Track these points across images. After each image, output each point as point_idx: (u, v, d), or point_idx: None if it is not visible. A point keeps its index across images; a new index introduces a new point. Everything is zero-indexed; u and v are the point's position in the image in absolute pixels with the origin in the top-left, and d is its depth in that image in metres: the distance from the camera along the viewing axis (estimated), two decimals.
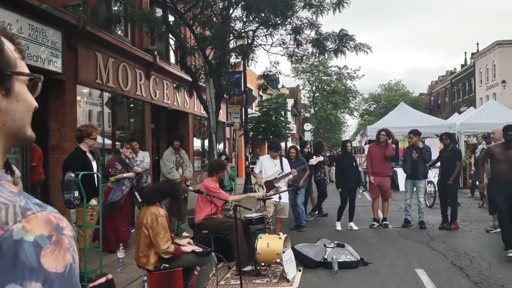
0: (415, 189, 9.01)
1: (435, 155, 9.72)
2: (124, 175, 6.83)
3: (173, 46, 15.22)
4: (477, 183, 12.48)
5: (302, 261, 6.10)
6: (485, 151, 7.32)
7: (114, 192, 6.70)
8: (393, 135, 9.53)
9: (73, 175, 4.56)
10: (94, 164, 5.40)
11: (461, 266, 5.91)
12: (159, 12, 13.48)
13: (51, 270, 0.72)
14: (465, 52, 56.54)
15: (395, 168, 14.24)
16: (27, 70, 0.90)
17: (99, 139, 11.58)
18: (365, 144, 18.10)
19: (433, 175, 11.41)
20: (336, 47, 11.48)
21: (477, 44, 51.41)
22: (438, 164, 9.40)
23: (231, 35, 11.92)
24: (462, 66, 56.69)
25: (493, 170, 6.67)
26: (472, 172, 12.69)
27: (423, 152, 8.83)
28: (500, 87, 41.94)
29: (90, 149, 5.40)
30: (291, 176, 7.57)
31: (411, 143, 9.23)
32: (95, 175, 5.39)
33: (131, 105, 13.80)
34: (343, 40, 11.22)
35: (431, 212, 10.40)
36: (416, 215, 8.98)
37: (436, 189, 10.59)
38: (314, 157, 8.10)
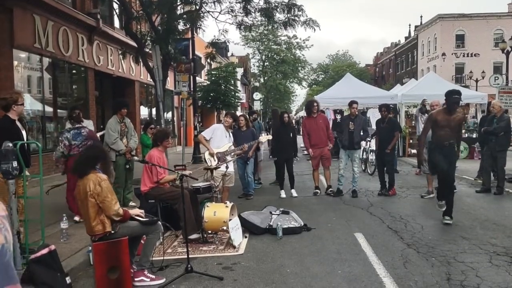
0: (349, 159, 9.19)
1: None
2: None
3: (117, 10, 14.60)
4: (412, 151, 13.16)
5: (249, 228, 6.27)
6: (427, 118, 7.23)
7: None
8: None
9: (10, 144, 4.36)
10: (23, 133, 5.16)
11: (396, 230, 6.31)
12: None
13: None
14: (409, 25, 58.43)
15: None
16: None
17: (39, 106, 11.11)
18: None
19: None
20: (286, 19, 11.49)
21: (421, 16, 53.24)
22: None
23: (178, 1, 11.59)
24: (406, 38, 58.53)
25: (434, 136, 6.75)
26: (411, 141, 13.35)
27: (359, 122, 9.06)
28: (440, 60, 43.86)
29: (18, 116, 5.13)
30: (241, 151, 7.84)
31: (350, 113, 9.31)
32: (25, 144, 5.16)
33: (73, 71, 13.22)
34: (291, 11, 11.23)
35: (372, 180, 10.92)
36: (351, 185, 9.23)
37: None
38: (264, 134, 8.36)
